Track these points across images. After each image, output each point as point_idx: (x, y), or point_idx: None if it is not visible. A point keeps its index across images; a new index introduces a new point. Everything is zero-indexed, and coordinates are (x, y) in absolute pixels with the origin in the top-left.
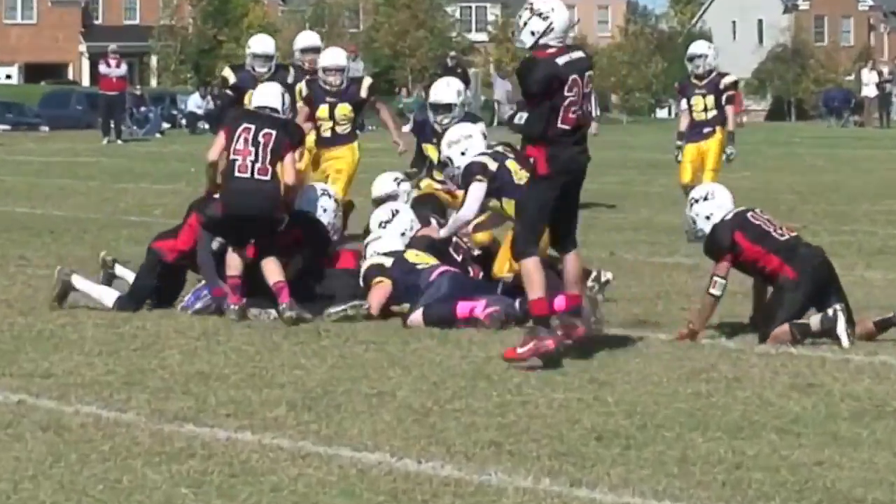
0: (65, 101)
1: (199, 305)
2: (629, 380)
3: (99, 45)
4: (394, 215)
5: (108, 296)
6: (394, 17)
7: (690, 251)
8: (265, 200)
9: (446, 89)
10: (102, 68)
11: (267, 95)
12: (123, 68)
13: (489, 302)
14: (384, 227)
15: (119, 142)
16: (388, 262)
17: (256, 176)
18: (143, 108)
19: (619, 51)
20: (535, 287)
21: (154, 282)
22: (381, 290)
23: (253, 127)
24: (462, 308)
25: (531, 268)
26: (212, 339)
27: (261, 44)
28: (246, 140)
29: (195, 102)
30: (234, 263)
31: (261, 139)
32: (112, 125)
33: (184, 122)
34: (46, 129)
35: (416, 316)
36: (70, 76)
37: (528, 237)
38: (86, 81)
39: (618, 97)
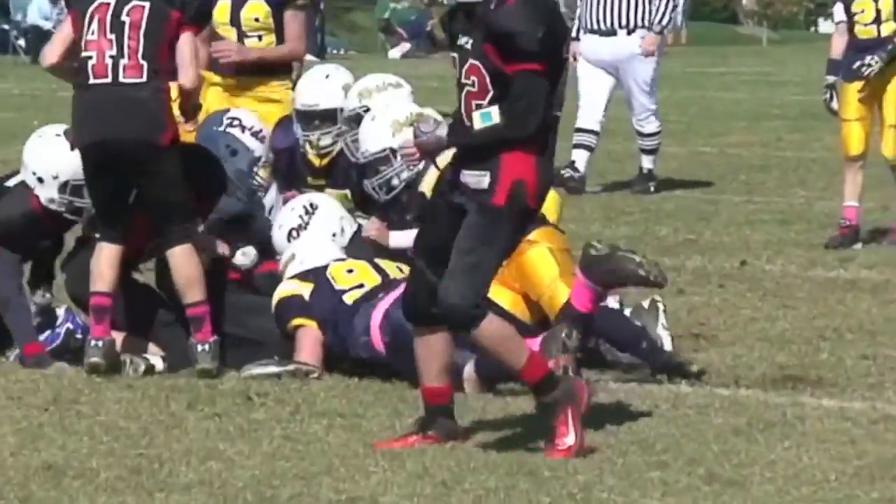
0: None
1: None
2: (772, 477)
3: None
4: (308, 213)
5: None
6: None
7: (874, 258)
8: (141, 118)
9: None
10: None
11: None
12: None
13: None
14: (296, 237)
15: None
16: (307, 290)
17: (123, 79)
18: None
19: None
20: (514, 349)
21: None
22: (308, 340)
23: (112, 2)
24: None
25: (495, 330)
26: (68, 410)
27: None
28: (101, 24)
29: (40, 10)
30: (101, 264)
31: (125, 18)
32: None
33: (20, 42)
34: None
35: (469, 371)
36: None
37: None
38: None
39: (752, 1)
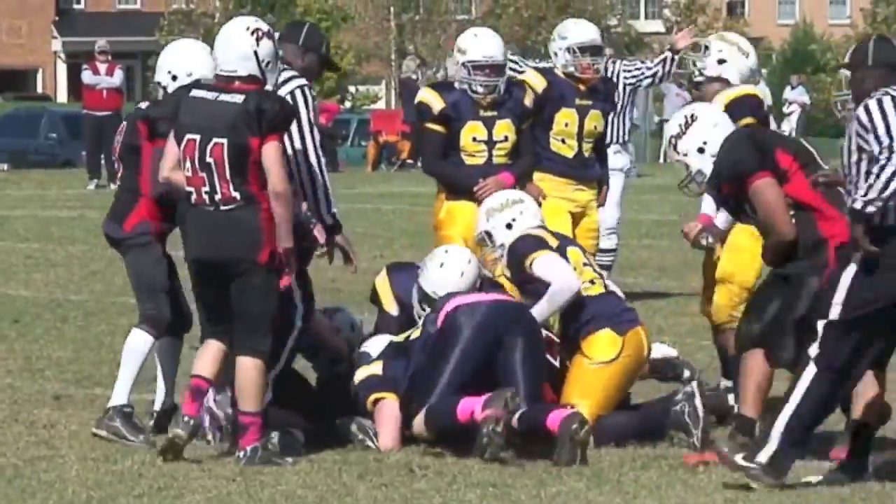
0: (32, 126)
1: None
2: None
3: (81, 40)
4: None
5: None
6: None
7: None
8: (238, 236)
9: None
10: (87, 76)
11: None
12: (119, 76)
13: (490, 397)
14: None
15: (113, 186)
16: (378, 368)
17: (221, 207)
18: None
19: None
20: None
21: None
22: (387, 414)
23: (197, 139)
24: (464, 408)
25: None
26: (252, 480)
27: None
28: (192, 163)
29: None
30: (206, 355)
31: (210, 159)
32: (103, 161)
33: None
34: (4, 166)
35: (419, 421)
36: (39, 87)
37: None
38: (62, 96)
39: None
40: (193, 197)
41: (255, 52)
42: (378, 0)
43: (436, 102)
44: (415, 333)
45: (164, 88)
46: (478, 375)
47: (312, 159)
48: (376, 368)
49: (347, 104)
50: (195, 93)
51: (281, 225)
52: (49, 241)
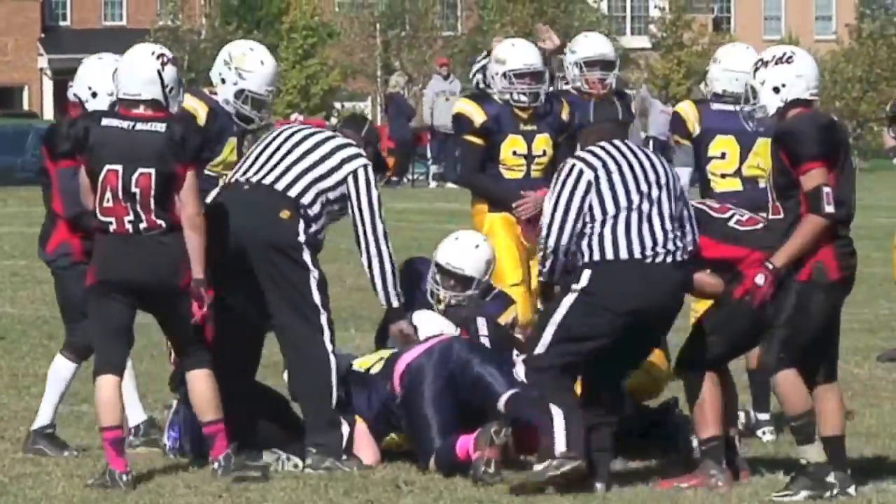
0: (18, 143)
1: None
2: None
3: (68, 57)
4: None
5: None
6: (509, 14)
7: None
8: (163, 261)
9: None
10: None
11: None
12: None
13: (477, 436)
14: None
15: None
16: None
17: (144, 234)
18: None
19: (847, 62)
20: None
21: None
22: (359, 435)
23: (119, 170)
24: (462, 446)
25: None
26: (239, 497)
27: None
28: (114, 192)
29: None
30: (105, 400)
31: (135, 189)
32: None
33: None
34: None
35: (432, 463)
36: (25, 104)
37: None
38: (49, 112)
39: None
40: (113, 227)
41: (161, 76)
42: (364, 16)
43: (477, 115)
44: (376, 366)
45: (83, 103)
46: (458, 408)
47: (381, 238)
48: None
49: (333, 120)
50: (107, 122)
51: (195, 254)
52: (35, 259)
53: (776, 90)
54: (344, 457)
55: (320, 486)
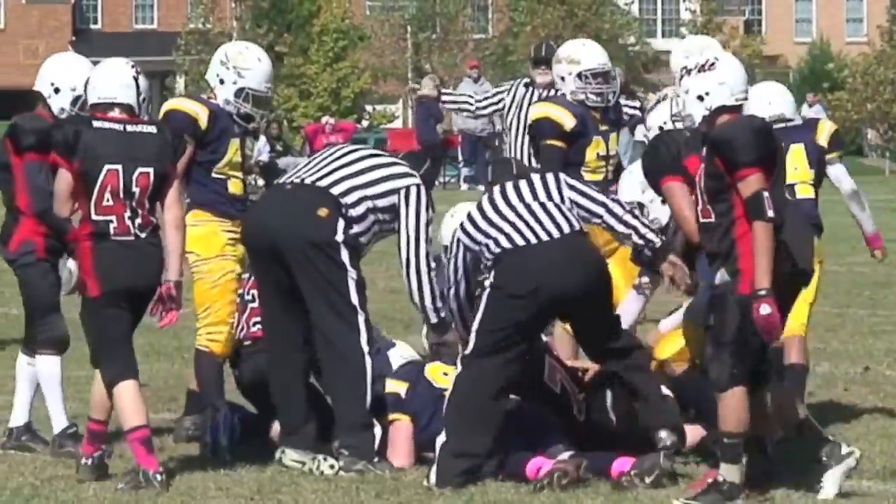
0: None
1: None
2: None
3: (98, 60)
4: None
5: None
6: (539, 17)
7: None
8: (159, 264)
9: None
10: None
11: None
12: None
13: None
14: None
15: None
16: (402, 388)
17: (140, 234)
18: None
19: (878, 64)
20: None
21: None
22: (402, 435)
23: (119, 170)
24: (532, 467)
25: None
26: (270, 499)
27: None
28: (114, 191)
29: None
30: (132, 401)
31: (136, 189)
32: None
33: (255, 180)
34: None
35: None
36: None
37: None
38: None
39: (876, 134)
40: (114, 225)
41: (137, 83)
42: (394, 19)
43: (567, 119)
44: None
45: (45, 99)
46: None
47: (422, 254)
48: (400, 388)
49: (364, 123)
50: (99, 124)
51: (176, 256)
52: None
53: (700, 98)
54: (376, 459)
55: (352, 489)
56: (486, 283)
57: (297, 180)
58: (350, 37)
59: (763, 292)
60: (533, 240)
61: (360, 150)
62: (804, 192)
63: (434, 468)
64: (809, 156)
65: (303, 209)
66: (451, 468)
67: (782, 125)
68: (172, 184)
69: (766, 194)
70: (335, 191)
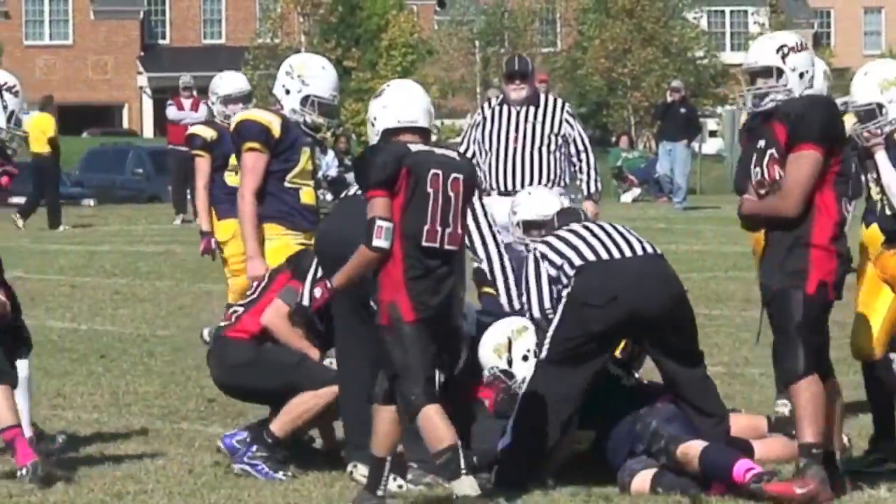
0: (118, 161)
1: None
2: None
3: (167, 76)
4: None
5: None
6: (608, 30)
7: None
8: None
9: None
10: (172, 112)
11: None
12: (203, 111)
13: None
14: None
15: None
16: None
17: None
18: None
19: None
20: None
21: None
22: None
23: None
24: (739, 469)
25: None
26: None
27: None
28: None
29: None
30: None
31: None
32: (189, 196)
33: (324, 194)
34: (91, 202)
35: (642, 482)
36: (124, 123)
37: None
38: (148, 131)
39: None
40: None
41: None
42: (463, 34)
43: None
44: None
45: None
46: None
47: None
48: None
49: (433, 137)
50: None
51: None
52: (136, 277)
53: (801, 76)
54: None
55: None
56: (564, 293)
57: None
58: (418, 51)
59: None
60: (616, 255)
61: None
62: None
63: (495, 469)
64: None
65: None
66: (513, 471)
67: None
68: None
69: None
70: None
